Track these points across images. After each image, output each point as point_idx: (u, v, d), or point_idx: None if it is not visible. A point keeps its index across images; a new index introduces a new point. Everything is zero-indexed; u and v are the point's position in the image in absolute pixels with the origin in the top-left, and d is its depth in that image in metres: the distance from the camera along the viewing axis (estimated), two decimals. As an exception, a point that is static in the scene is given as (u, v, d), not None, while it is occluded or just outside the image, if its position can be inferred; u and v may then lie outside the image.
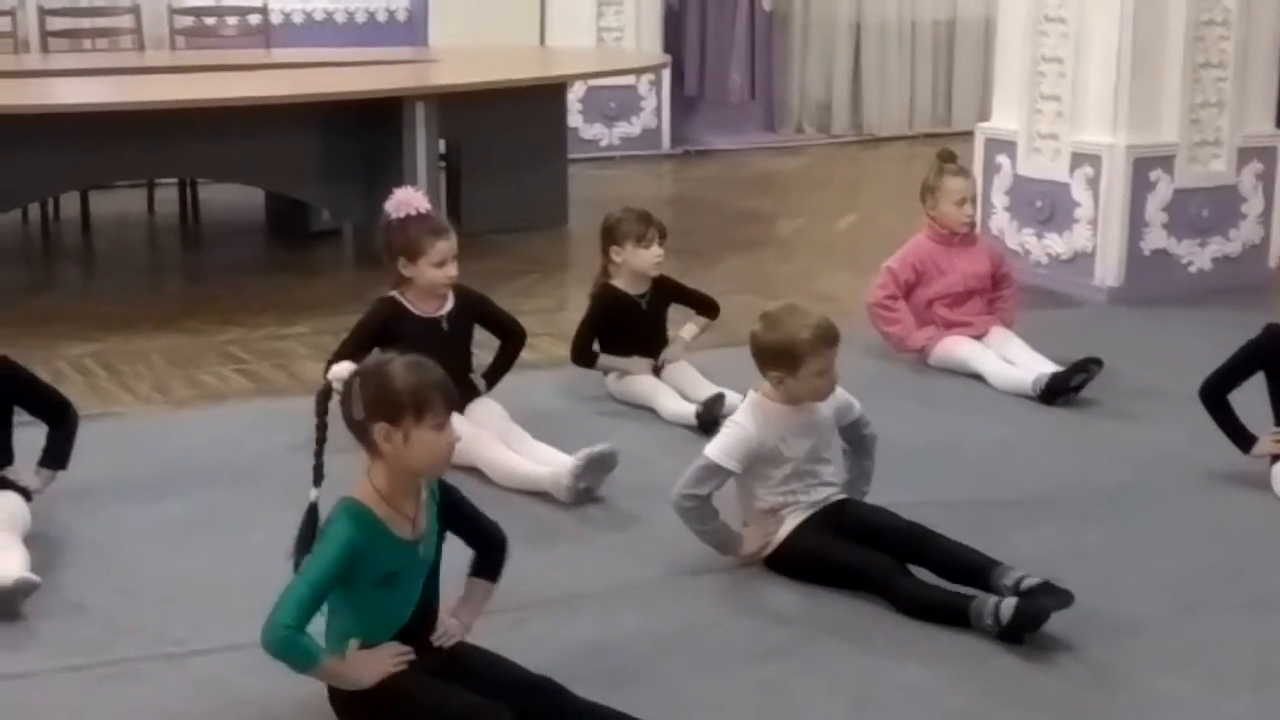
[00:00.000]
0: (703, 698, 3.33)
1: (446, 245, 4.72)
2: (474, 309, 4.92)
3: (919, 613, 3.66)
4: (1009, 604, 3.53)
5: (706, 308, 5.51)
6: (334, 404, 3.17)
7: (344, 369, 3.18)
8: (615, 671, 3.41)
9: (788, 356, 3.85)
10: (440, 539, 3.21)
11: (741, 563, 3.96)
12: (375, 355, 3.19)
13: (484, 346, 4.98)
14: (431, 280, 4.73)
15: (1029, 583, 3.62)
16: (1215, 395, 4.57)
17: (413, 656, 3.10)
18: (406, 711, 3.03)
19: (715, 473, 3.89)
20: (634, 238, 5.30)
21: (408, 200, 4.75)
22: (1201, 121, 6.89)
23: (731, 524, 3.98)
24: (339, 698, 3.12)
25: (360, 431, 3.09)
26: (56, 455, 4.21)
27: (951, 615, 3.61)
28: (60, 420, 4.24)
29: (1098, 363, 5.37)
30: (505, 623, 3.42)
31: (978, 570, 3.71)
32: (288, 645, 2.96)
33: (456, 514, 3.25)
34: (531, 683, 3.11)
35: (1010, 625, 3.52)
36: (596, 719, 3.08)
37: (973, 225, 5.95)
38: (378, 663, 3.07)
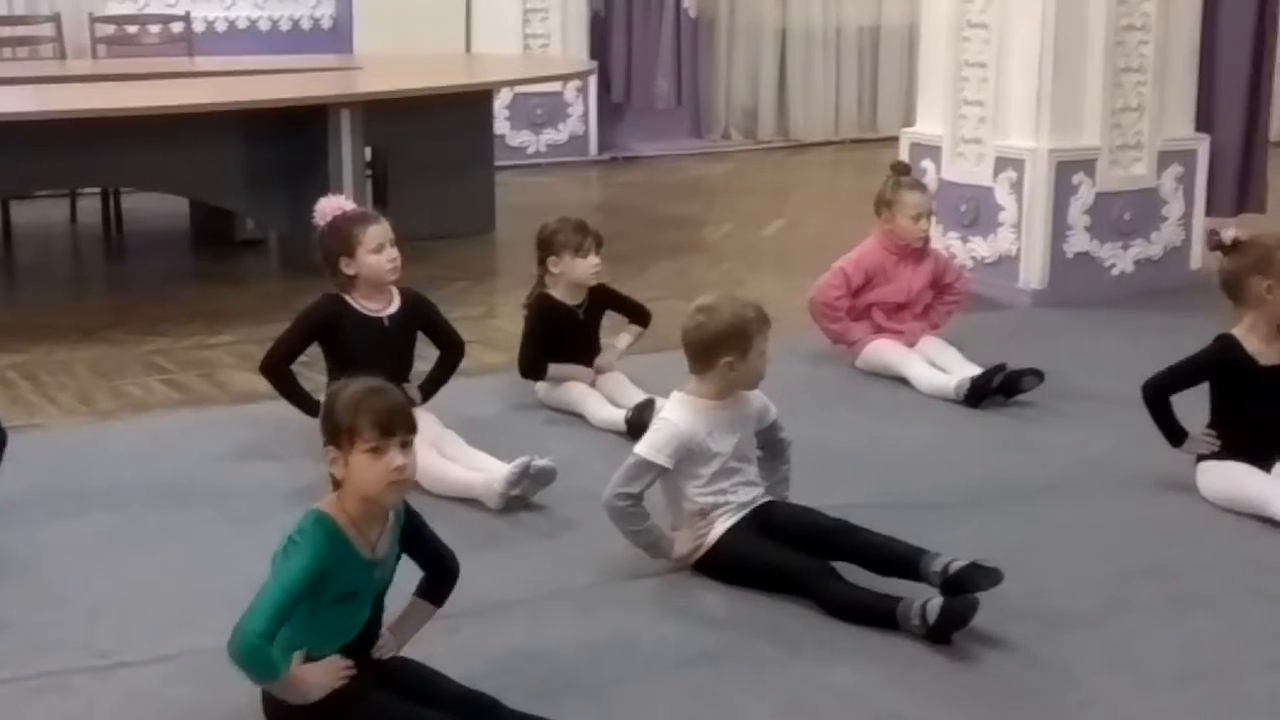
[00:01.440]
0: (635, 703, 3.34)
1: (379, 229, 4.70)
2: (420, 313, 4.87)
3: (848, 615, 3.68)
4: (935, 604, 3.56)
5: (639, 316, 5.50)
6: None
7: None
8: (547, 678, 3.41)
9: (740, 337, 3.88)
10: (397, 561, 3.22)
11: (672, 566, 3.97)
12: (342, 380, 3.21)
13: (421, 358, 4.95)
14: (375, 268, 4.69)
15: (956, 565, 3.65)
16: (1159, 396, 4.54)
17: (354, 671, 3.09)
18: None
19: (647, 469, 3.90)
20: (572, 248, 5.27)
21: (332, 206, 4.78)
22: (1122, 125, 6.96)
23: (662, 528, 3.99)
24: (274, 709, 3.10)
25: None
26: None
27: (880, 617, 3.64)
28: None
29: (1038, 375, 5.40)
30: (437, 630, 3.40)
31: (905, 561, 3.75)
32: (257, 657, 2.93)
33: (417, 538, 3.25)
34: (466, 698, 3.10)
35: (937, 625, 3.55)
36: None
37: (928, 240, 5.96)
38: (325, 676, 3.06)
